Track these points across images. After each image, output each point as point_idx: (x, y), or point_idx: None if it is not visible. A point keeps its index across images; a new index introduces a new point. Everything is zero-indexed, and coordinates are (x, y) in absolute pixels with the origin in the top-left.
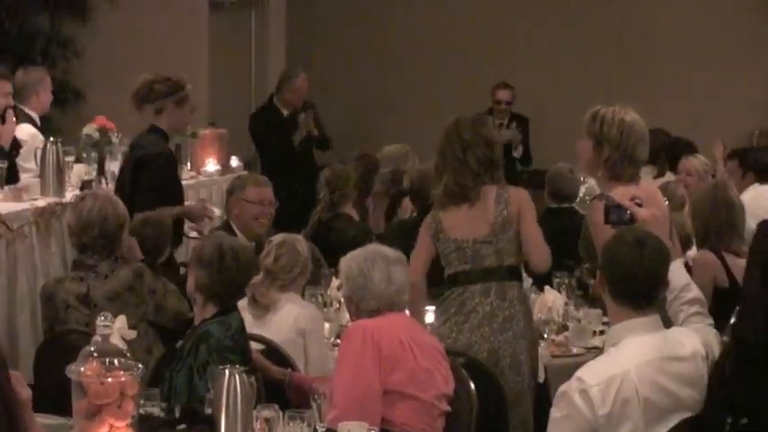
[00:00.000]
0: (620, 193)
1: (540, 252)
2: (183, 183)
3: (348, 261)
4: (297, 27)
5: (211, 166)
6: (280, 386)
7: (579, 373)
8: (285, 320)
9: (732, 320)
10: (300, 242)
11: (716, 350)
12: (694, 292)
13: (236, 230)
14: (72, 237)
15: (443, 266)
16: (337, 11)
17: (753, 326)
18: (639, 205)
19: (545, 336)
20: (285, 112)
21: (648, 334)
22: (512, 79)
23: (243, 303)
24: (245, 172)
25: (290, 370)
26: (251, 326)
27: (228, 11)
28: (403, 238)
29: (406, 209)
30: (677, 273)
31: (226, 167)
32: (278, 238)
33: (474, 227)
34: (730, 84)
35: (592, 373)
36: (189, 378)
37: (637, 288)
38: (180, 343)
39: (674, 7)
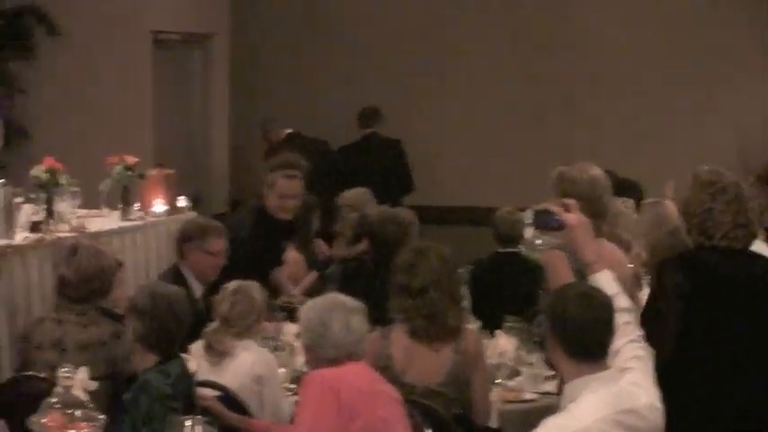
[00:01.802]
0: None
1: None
2: (130, 224)
3: (307, 310)
4: (240, 64)
5: (159, 206)
6: None
7: (541, 429)
8: (241, 367)
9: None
10: (255, 289)
11: None
12: (624, 301)
13: (188, 276)
14: (67, 288)
15: None
16: (281, 47)
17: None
18: (567, 211)
19: (497, 381)
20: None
21: (605, 388)
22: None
23: (199, 348)
24: (193, 213)
25: (246, 417)
26: (207, 372)
27: (172, 50)
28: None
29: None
30: (606, 283)
31: (174, 208)
32: (232, 285)
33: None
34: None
35: (553, 429)
36: (133, 430)
37: (591, 341)
38: (125, 396)
39: (631, 38)
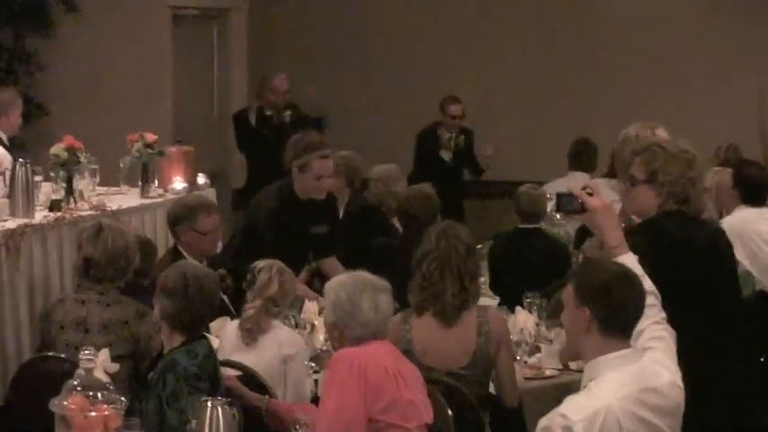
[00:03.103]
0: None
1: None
2: (150, 201)
3: (335, 288)
4: (258, 39)
5: (179, 184)
6: (257, 414)
7: (562, 409)
8: (272, 346)
9: None
10: (287, 267)
11: None
12: (648, 284)
13: (186, 255)
14: (92, 268)
15: None
16: (299, 22)
17: None
18: (590, 194)
19: (517, 357)
20: (268, 113)
21: (627, 366)
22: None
23: (233, 325)
24: (212, 190)
25: (268, 397)
26: (239, 352)
27: (191, 24)
28: (383, 258)
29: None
30: (631, 266)
31: (193, 185)
32: (272, 265)
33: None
34: (698, 97)
35: (575, 409)
36: (159, 408)
37: (628, 319)
38: (151, 375)
39: (634, 17)
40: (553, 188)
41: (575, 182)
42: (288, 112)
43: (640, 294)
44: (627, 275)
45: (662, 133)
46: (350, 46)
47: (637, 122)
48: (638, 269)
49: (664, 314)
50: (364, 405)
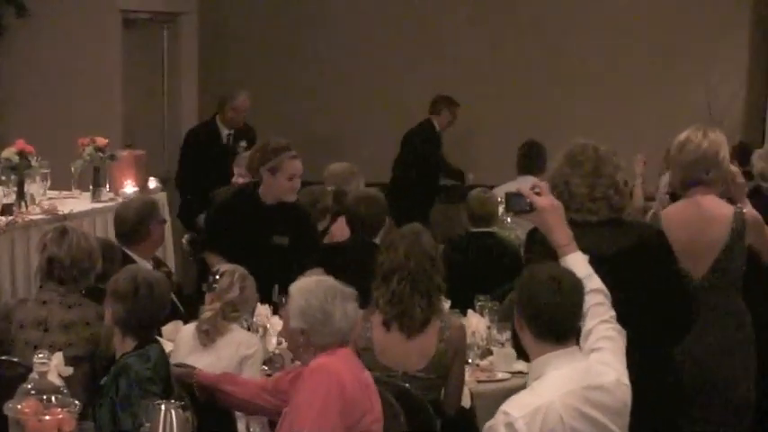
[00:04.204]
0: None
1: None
2: (101, 205)
3: (304, 294)
4: (209, 43)
5: (130, 188)
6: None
7: (504, 407)
8: (228, 347)
9: None
10: (249, 275)
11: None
12: (596, 283)
13: (138, 259)
14: (56, 269)
15: None
16: (250, 26)
17: None
18: (538, 194)
19: (469, 361)
20: (225, 131)
21: (570, 364)
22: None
23: (189, 328)
24: (164, 194)
25: (196, 369)
26: (191, 352)
27: (141, 28)
28: (332, 260)
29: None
30: (578, 264)
31: (144, 189)
32: (234, 270)
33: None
34: (648, 92)
35: (517, 406)
36: (112, 412)
37: (557, 324)
38: (104, 379)
39: (593, 14)
40: (503, 192)
41: (525, 184)
42: (243, 143)
43: (572, 300)
44: (553, 282)
45: (715, 136)
46: (301, 48)
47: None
48: (584, 269)
49: (613, 312)
50: (342, 422)
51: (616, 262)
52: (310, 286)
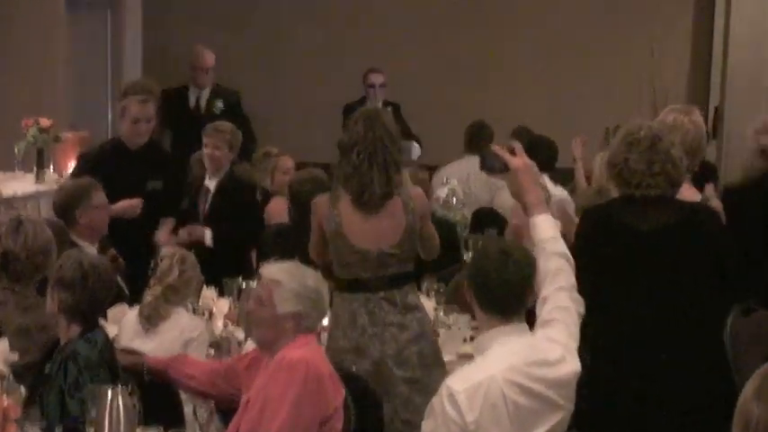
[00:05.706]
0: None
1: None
2: (45, 188)
3: (296, 277)
4: (153, 25)
5: None
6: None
7: (447, 381)
8: (171, 331)
9: None
10: (191, 255)
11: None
12: (560, 246)
13: (80, 242)
14: (11, 264)
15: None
16: (194, 5)
17: None
18: (513, 154)
19: None
20: (194, 95)
21: (515, 341)
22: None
23: (133, 313)
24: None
25: (144, 356)
26: (135, 336)
27: (85, 9)
28: (283, 244)
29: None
30: (546, 226)
31: None
32: (175, 252)
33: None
34: (588, 76)
35: (459, 380)
36: (59, 398)
37: (504, 298)
38: (48, 366)
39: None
40: (449, 172)
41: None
42: (219, 103)
43: (521, 275)
44: (503, 255)
45: (696, 117)
46: (249, 26)
47: (668, 108)
48: (550, 231)
49: (573, 280)
50: (318, 417)
51: (677, 233)
52: (295, 269)
